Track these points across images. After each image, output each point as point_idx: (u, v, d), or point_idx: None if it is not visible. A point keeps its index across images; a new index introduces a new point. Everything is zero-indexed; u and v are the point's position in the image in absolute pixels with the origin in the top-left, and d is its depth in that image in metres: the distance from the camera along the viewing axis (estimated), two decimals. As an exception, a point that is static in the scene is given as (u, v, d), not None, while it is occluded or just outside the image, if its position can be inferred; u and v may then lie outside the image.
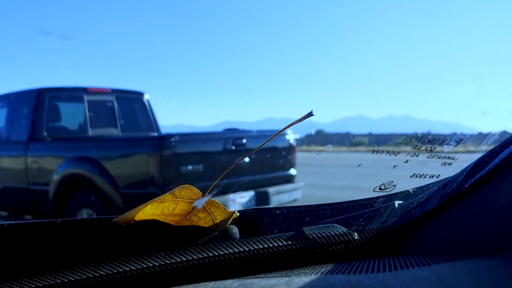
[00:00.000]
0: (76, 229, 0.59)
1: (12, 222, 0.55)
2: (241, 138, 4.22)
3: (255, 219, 0.67)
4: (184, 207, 0.60)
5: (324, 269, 0.53)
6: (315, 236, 0.58)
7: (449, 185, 0.62)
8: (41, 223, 0.57)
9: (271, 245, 0.56)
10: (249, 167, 4.19)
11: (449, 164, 0.69)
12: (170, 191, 0.59)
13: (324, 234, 0.58)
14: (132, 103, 5.36)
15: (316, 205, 0.70)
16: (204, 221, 0.61)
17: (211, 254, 0.53)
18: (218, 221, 0.62)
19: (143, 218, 0.59)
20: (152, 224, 0.59)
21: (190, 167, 3.74)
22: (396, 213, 0.64)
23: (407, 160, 0.71)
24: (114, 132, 4.98)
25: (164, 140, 3.70)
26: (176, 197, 0.59)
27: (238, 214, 0.64)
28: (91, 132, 4.79)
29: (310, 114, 0.57)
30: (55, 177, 4.16)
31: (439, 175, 0.69)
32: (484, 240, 0.55)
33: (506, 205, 0.55)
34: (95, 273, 0.48)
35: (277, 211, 0.68)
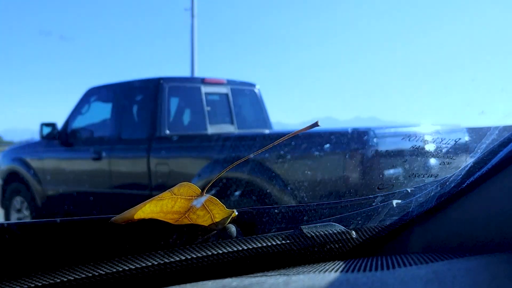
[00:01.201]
0: (75, 228, 0.59)
1: (11, 222, 0.55)
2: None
3: (254, 218, 0.67)
4: (183, 204, 0.60)
5: (322, 268, 0.54)
6: (313, 234, 0.58)
7: (447, 184, 0.62)
8: (40, 222, 0.57)
9: (269, 244, 0.56)
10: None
11: (448, 163, 0.69)
12: (169, 189, 0.60)
13: (322, 233, 0.59)
14: (245, 96, 4.65)
15: (314, 203, 0.70)
16: (202, 219, 0.61)
17: (210, 253, 0.53)
18: (216, 220, 0.62)
19: (142, 217, 0.59)
20: (151, 223, 0.60)
21: (391, 171, 2.69)
22: (394, 212, 0.64)
23: (405, 160, 0.72)
24: (230, 129, 4.27)
25: (365, 135, 2.66)
26: (174, 194, 0.59)
27: (236, 213, 0.64)
28: (209, 129, 4.05)
29: (315, 125, 0.57)
30: (196, 182, 3.19)
31: (438, 175, 0.69)
32: (482, 239, 0.56)
33: (503, 205, 0.55)
34: (94, 273, 0.48)
35: (276, 210, 0.68)
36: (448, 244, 0.58)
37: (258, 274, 0.54)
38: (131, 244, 0.58)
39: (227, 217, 0.62)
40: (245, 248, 0.55)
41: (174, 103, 4.00)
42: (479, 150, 0.64)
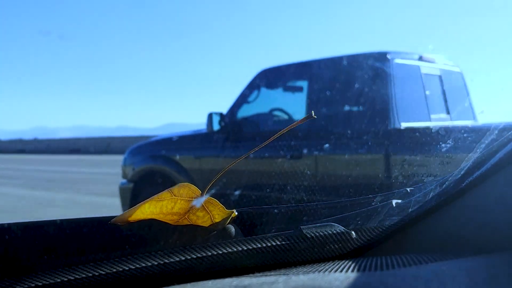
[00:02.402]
0: (75, 228, 0.59)
1: (11, 222, 0.55)
2: None
3: (254, 218, 0.67)
4: (183, 205, 0.60)
5: (322, 268, 0.54)
6: (313, 235, 0.58)
7: (446, 184, 0.62)
8: (40, 223, 0.57)
9: (269, 244, 0.56)
10: None
11: (447, 163, 0.69)
12: (168, 189, 0.60)
13: (322, 233, 0.59)
14: (451, 78, 3.64)
15: (314, 204, 0.70)
16: (202, 220, 0.61)
17: (210, 254, 0.53)
18: (216, 220, 0.62)
19: (142, 217, 0.59)
20: (151, 224, 0.60)
21: None
22: (393, 212, 0.65)
23: (405, 160, 0.72)
24: (446, 120, 3.35)
25: None
26: (174, 195, 0.59)
27: (236, 213, 0.64)
28: (432, 119, 3.18)
29: (310, 116, 0.57)
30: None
31: (437, 174, 0.69)
32: (482, 239, 0.56)
33: (503, 205, 0.55)
34: (94, 273, 0.48)
35: (275, 210, 0.68)
36: (447, 244, 0.58)
37: (258, 274, 0.54)
38: (131, 244, 0.59)
39: (227, 218, 0.62)
40: (245, 248, 0.55)
41: (399, 85, 3.04)
42: (478, 150, 0.65)
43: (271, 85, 3.64)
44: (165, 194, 0.59)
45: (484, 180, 0.57)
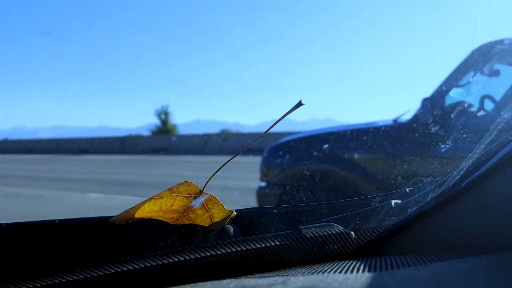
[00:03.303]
0: (74, 229, 0.59)
1: (10, 222, 0.55)
2: None
3: (253, 219, 0.67)
4: (182, 202, 0.59)
5: (321, 268, 0.54)
6: (312, 235, 0.58)
7: (445, 184, 0.62)
8: (39, 223, 0.57)
9: (268, 245, 0.56)
10: None
11: (446, 164, 0.69)
12: (168, 188, 0.60)
13: (321, 234, 0.59)
14: None
15: (313, 204, 0.70)
16: (201, 218, 0.61)
17: (209, 254, 0.53)
18: (216, 220, 0.62)
19: (141, 216, 0.59)
20: (150, 224, 0.60)
21: None
22: (392, 212, 0.64)
23: (404, 160, 0.72)
24: None
25: None
26: (174, 193, 0.59)
27: (235, 213, 0.64)
28: None
29: (299, 104, 0.57)
30: None
31: (436, 175, 0.69)
32: (480, 240, 0.56)
33: (502, 205, 0.55)
34: (93, 273, 0.48)
35: (275, 210, 0.68)
36: (446, 244, 0.58)
37: (257, 275, 0.54)
38: (130, 245, 0.58)
39: (226, 218, 0.62)
40: (244, 248, 0.55)
41: None
42: (477, 151, 0.65)
43: (493, 65, 2.66)
44: (164, 192, 0.59)
45: (483, 181, 0.57)
